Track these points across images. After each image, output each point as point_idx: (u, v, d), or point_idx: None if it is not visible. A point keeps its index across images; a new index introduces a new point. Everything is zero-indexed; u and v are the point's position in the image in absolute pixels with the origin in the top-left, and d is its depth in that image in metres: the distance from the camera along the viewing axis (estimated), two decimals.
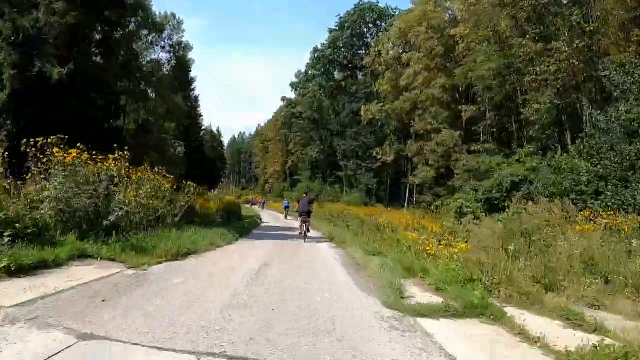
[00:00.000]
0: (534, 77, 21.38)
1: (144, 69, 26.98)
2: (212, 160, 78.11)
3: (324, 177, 55.69)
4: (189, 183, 12.88)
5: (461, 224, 13.84)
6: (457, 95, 31.18)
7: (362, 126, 44.82)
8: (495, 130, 29.52)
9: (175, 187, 12.67)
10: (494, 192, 16.23)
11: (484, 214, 15.84)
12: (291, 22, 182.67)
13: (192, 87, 60.14)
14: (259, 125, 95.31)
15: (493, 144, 28.55)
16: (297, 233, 14.72)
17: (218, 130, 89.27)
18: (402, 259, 8.48)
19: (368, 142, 44.10)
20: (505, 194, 15.84)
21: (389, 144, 37.52)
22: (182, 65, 53.41)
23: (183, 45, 41.57)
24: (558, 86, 19.76)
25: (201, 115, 75.21)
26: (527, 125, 23.68)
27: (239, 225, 18.31)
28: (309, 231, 13.88)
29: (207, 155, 77.64)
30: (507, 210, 13.84)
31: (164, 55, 37.26)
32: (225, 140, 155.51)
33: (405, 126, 39.78)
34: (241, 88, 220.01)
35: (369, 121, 40.70)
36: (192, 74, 47.33)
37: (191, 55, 43.89)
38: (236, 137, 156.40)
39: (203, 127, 77.05)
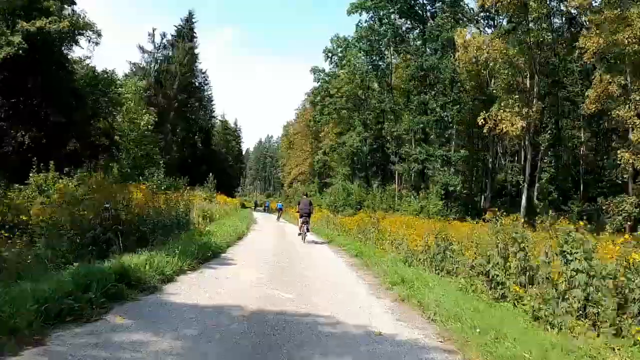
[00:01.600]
0: None
1: None
2: (222, 156, 63.03)
3: (368, 177, 39.16)
4: None
5: None
6: None
7: (437, 92, 28.08)
8: None
9: None
10: None
11: None
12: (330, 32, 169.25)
13: (194, 45, 45.61)
14: (287, 122, 79.80)
15: None
16: None
17: (235, 124, 74.87)
18: None
19: (448, 117, 27.31)
20: None
21: (500, 103, 20.44)
22: None
23: None
24: None
25: (212, 101, 60.72)
26: None
27: None
28: (308, 230, 13.94)
29: (217, 150, 62.77)
30: None
31: None
32: (251, 145, 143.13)
33: (519, 86, 22.81)
34: (275, 94, 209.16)
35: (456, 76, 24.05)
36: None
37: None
38: (262, 140, 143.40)
39: (214, 114, 62.58)
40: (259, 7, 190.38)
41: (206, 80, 54.62)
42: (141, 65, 39.52)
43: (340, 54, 43.27)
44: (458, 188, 26.23)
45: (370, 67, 39.30)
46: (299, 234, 13.76)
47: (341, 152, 40.09)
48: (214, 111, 57.71)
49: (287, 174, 70.29)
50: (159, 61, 40.32)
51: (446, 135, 27.50)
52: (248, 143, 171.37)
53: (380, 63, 42.53)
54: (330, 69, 44.05)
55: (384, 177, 39.28)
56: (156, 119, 25.74)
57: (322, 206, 34.84)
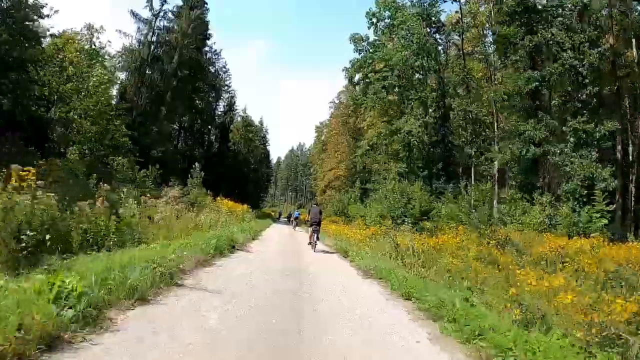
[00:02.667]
0: None
1: None
2: (242, 157, 53.75)
3: (431, 177, 28.34)
4: None
5: None
6: None
7: (561, 30, 17.11)
8: None
9: None
10: None
11: None
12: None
13: (204, 13, 36.98)
14: (320, 123, 69.22)
15: None
16: None
17: (261, 123, 65.87)
18: None
19: (584, 66, 16.23)
20: None
21: None
22: None
23: None
24: None
25: (232, 94, 51.93)
26: None
27: None
28: (318, 239, 13.86)
29: (237, 149, 53.66)
30: None
31: None
32: (282, 154, 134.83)
33: None
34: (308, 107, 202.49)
35: None
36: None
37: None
38: (294, 147, 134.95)
39: (235, 109, 53.74)
40: (285, 19, 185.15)
41: (225, 67, 46.10)
42: (135, 37, 31.11)
43: (387, 20, 33.39)
44: (612, 185, 15.00)
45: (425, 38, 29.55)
46: (309, 243, 13.80)
47: (393, 144, 29.56)
48: (234, 103, 48.86)
49: (320, 180, 60.00)
50: (157, 33, 31.72)
51: (582, 98, 16.45)
52: (279, 152, 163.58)
53: (436, 35, 33.13)
54: (375, 37, 34.14)
55: (448, 177, 28.47)
56: (113, 76, 16.50)
57: (367, 219, 24.26)
